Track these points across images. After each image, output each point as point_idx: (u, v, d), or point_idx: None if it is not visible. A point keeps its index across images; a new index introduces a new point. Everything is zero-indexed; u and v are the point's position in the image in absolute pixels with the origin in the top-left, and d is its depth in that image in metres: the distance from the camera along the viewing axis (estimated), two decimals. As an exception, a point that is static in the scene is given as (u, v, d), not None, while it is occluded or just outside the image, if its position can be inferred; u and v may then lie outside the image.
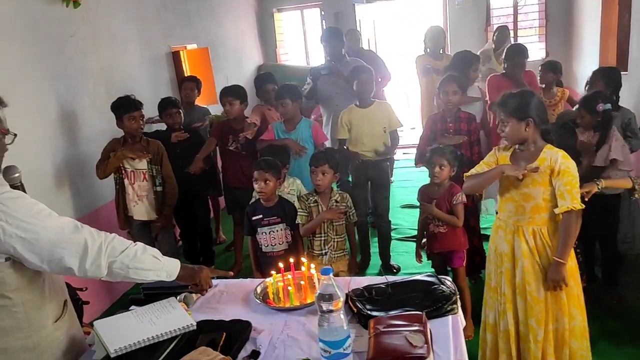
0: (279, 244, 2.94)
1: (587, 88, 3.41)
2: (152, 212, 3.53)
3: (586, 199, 2.43)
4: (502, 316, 2.41)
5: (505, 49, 4.40)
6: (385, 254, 4.04)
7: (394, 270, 3.96)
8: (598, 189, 2.53)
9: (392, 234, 4.62)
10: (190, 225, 4.07)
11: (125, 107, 3.35)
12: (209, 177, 4.20)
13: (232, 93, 3.83)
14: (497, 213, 2.52)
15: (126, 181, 3.46)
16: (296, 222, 2.95)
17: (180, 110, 3.95)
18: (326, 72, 4.28)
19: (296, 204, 3.01)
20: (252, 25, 7.36)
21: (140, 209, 3.51)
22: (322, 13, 7.50)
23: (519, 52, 4.05)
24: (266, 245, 2.94)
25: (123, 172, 3.44)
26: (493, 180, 2.35)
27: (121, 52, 4.27)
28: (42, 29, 3.38)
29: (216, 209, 4.83)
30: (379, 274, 3.76)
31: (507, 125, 2.24)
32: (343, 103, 4.07)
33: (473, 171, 2.42)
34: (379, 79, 5.25)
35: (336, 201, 2.96)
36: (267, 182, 2.88)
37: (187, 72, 5.11)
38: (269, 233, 2.93)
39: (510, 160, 2.32)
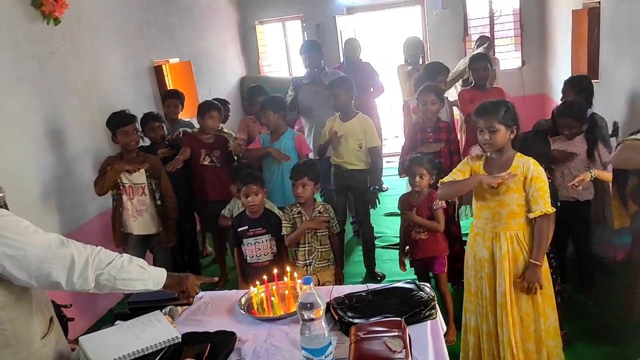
0: (264, 254, 2.98)
1: (561, 98, 3.52)
2: (153, 226, 3.54)
3: (580, 187, 2.61)
4: (484, 319, 2.50)
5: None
6: (369, 261, 4.09)
7: (378, 278, 4.01)
8: (591, 178, 2.68)
9: (376, 242, 4.70)
10: (178, 238, 4.06)
11: (116, 121, 3.37)
12: (191, 194, 4.16)
13: (215, 107, 3.91)
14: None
15: (124, 197, 3.45)
16: (281, 233, 3.00)
17: (163, 124, 3.97)
18: (308, 81, 4.34)
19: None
20: (235, 38, 7.42)
21: (140, 224, 3.51)
22: (304, 25, 7.59)
23: (477, 58, 4.18)
24: (251, 256, 2.98)
25: (121, 187, 3.44)
26: (469, 189, 2.43)
27: (104, 68, 4.30)
28: (23, 47, 3.40)
29: (202, 222, 4.85)
30: (362, 282, 3.82)
31: (495, 132, 2.28)
32: (325, 113, 4.12)
33: (448, 178, 2.47)
34: (372, 90, 5.37)
35: (319, 212, 3.03)
36: (257, 194, 2.95)
37: (170, 86, 5.15)
38: (255, 244, 2.97)
39: (484, 169, 2.40)
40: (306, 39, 7.54)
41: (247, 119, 4.34)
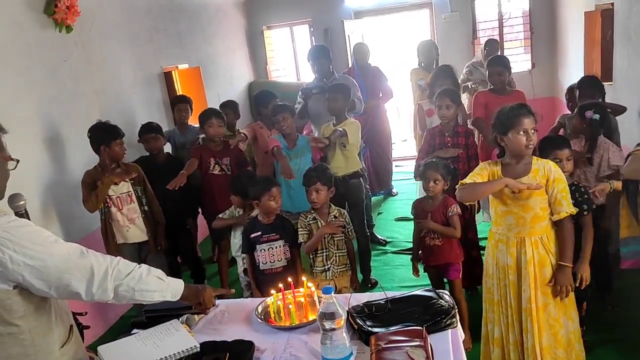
0: (278, 260, 2.96)
1: (577, 94, 3.48)
2: (144, 233, 3.52)
3: (600, 198, 2.54)
4: (509, 328, 2.44)
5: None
6: (365, 267, 4.04)
7: (369, 285, 3.97)
8: (611, 189, 2.63)
9: (387, 247, 4.69)
10: (173, 252, 4.01)
11: (112, 133, 3.33)
12: (190, 206, 4.15)
13: (217, 114, 3.88)
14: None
15: (113, 209, 3.41)
16: (298, 241, 2.98)
17: (160, 135, 3.91)
18: (317, 91, 4.33)
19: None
20: (242, 43, 7.43)
21: (135, 232, 3.49)
22: (311, 29, 7.59)
23: (492, 62, 4.14)
24: (264, 262, 2.96)
25: (108, 200, 3.40)
26: (493, 191, 2.35)
27: (114, 75, 4.31)
28: (35, 54, 3.41)
29: (210, 232, 4.81)
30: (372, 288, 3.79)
31: (535, 133, 2.26)
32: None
33: (469, 180, 2.38)
34: (380, 94, 5.36)
35: (334, 217, 3.00)
36: (280, 196, 2.97)
37: (179, 91, 5.15)
38: (268, 250, 2.95)
39: (503, 174, 2.35)
40: (314, 43, 7.54)
41: (255, 125, 4.31)
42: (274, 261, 2.95)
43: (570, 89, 3.75)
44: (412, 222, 3.29)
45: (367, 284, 3.97)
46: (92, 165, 3.44)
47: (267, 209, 2.97)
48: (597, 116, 2.95)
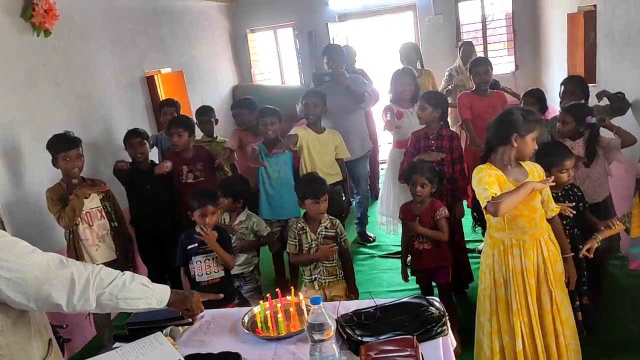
0: (215, 271, 2.87)
1: (561, 94, 3.50)
2: (113, 252, 3.33)
3: (590, 256, 2.49)
4: (536, 334, 2.36)
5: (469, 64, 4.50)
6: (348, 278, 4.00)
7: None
8: (598, 243, 2.53)
9: (374, 251, 4.67)
10: (160, 263, 3.81)
11: (58, 145, 3.07)
12: (176, 215, 3.93)
13: (182, 124, 3.75)
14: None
15: (81, 227, 3.18)
16: (286, 249, 2.93)
17: (145, 141, 3.77)
18: (329, 79, 4.29)
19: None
20: (226, 47, 7.37)
21: (104, 251, 3.27)
22: (296, 32, 7.55)
23: (477, 62, 4.15)
24: (200, 274, 2.87)
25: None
26: (524, 199, 2.21)
27: (95, 80, 4.22)
28: (12, 59, 3.33)
29: None
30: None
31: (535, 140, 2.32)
32: (344, 118, 4.22)
33: (487, 191, 2.19)
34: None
35: (325, 227, 2.91)
36: (213, 214, 2.88)
37: (163, 96, 5.06)
38: (204, 261, 2.87)
39: (507, 177, 2.31)
40: (298, 47, 7.50)
41: (240, 132, 4.23)
42: (210, 272, 2.87)
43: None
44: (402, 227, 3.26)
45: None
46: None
47: (198, 223, 2.86)
48: (594, 120, 2.97)
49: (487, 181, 2.23)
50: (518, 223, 2.35)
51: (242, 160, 4.20)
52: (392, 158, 4.20)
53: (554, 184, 2.29)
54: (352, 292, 2.99)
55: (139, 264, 3.74)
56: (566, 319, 2.42)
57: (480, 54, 6.64)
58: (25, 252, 1.47)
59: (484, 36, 7.27)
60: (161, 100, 4.86)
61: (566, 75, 5.20)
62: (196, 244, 2.87)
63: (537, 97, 3.70)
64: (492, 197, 2.15)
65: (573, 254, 2.48)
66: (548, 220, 2.43)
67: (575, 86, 3.49)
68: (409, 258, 3.25)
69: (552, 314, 2.36)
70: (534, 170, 2.36)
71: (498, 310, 2.42)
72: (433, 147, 3.44)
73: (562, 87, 3.56)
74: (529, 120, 2.29)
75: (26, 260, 1.44)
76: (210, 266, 2.87)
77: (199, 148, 3.87)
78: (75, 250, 3.18)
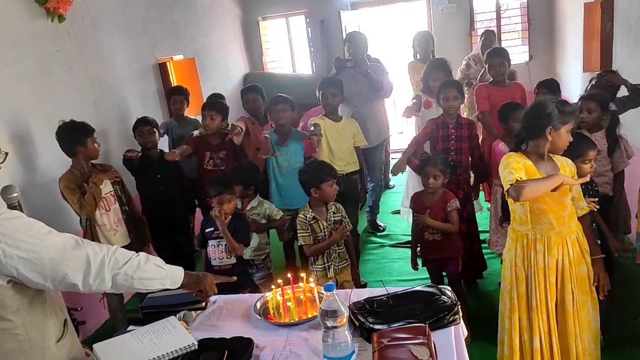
0: (227, 258, 2.90)
1: (588, 88, 3.47)
2: (127, 236, 3.34)
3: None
4: (553, 334, 2.32)
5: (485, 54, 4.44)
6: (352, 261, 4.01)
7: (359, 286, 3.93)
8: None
9: (384, 241, 4.68)
10: (172, 252, 3.82)
11: (85, 130, 3.11)
12: (188, 202, 4.05)
13: (216, 107, 3.75)
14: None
15: (98, 213, 3.16)
16: (299, 243, 2.92)
17: (155, 130, 3.76)
18: (351, 64, 4.26)
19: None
20: (238, 34, 7.35)
21: (122, 234, 3.29)
22: (307, 20, 7.51)
23: (492, 54, 4.10)
24: (214, 258, 2.92)
25: None
26: (549, 189, 2.14)
27: (108, 66, 4.23)
28: (27, 45, 3.34)
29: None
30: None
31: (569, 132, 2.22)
32: (362, 105, 4.22)
33: (512, 175, 2.12)
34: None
35: (333, 213, 2.92)
36: (230, 202, 2.88)
37: (174, 83, 5.07)
38: (217, 246, 2.90)
39: (538, 170, 2.23)
40: (310, 35, 7.47)
41: (247, 119, 4.23)
42: (223, 258, 2.90)
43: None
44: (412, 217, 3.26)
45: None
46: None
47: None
48: (614, 107, 2.94)
49: (514, 166, 2.17)
50: (545, 218, 2.25)
51: (250, 148, 4.20)
52: None
53: (584, 181, 2.19)
54: (354, 277, 3.01)
55: (150, 252, 3.76)
56: (587, 323, 2.34)
57: (495, 44, 6.56)
58: (41, 233, 1.49)
59: (498, 25, 7.19)
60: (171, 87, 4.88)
61: (581, 66, 5.17)
62: (212, 228, 2.90)
63: (549, 88, 3.65)
64: (517, 180, 2.09)
65: (604, 255, 2.35)
66: (578, 219, 2.31)
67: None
68: (418, 248, 3.25)
69: (577, 317, 2.29)
70: (565, 166, 2.25)
71: (519, 307, 2.36)
72: (453, 136, 3.44)
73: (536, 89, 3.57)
74: (564, 112, 2.17)
75: (42, 241, 1.46)
76: (222, 252, 2.89)
77: (226, 137, 3.78)
78: (92, 237, 3.15)
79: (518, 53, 7.22)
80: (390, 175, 6.19)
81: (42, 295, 1.57)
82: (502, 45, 6.79)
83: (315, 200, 2.91)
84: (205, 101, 4.04)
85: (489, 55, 4.09)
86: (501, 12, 7.21)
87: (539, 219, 2.26)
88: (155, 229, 3.80)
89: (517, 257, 2.34)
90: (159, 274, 1.68)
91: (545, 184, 2.08)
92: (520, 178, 2.09)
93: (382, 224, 4.90)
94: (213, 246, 2.91)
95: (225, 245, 2.87)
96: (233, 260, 2.91)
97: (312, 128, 3.68)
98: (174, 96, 4.55)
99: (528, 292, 2.34)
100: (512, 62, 4.16)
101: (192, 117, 4.64)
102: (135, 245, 3.32)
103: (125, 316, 3.33)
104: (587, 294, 2.33)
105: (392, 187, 6.11)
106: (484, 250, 3.73)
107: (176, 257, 3.70)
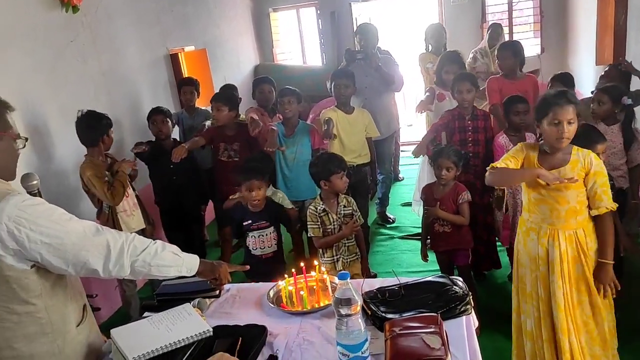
0: (268, 247, 2.96)
1: (600, 81, 3.47)
2: (142, 220, 3.39)
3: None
4: (543, 322, 2.34)
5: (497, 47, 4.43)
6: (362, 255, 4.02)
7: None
8: None
9: (393, 232, 4.69)
10: (184, 242, 3.76)
11: (108, 121, 3.19)
12: (201, 192, 4.07)
13: (222, 99, 3.76)
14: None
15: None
16: (308, 234, 2.94)
17: (168, 119, 3.79)
18: (361, 56, 4.27)
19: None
20: (249, 26, 7.36)
21: (138, 218, 3.35)
22: (318, 12, 7.49)
23: (502, 47, 4.08)
24: (255, 248, 2.96)
25: None
26: (523, 181, 2.27)
27: (121, 56, 4.26)
28: (42, 35, 3.37)
29: (217, 219, 4.74)
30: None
31: (573, 124, 2.12)
32: (372, 97, 4.21)
33: (500, 164, 2.27)
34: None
35: (344, 206, 2.93)
36: (260, 189, 2.90)
37: (186, 74, 5.09)
38: (258, 237, 2.95)
39: (539, 161, 2.24)
40: (321, 27, 7.45)
41: (256, 110, 4.24)
42: (264, 247, 2.95)
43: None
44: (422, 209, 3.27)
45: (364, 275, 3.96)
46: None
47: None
48: (630, 101, 2.92)
49: (508, 155, 2.31)
50: (540, 208, 2.27)
51: (260, 140, 4.22)
52: None
53: (570, 182, 2.10)
54: (364, 270, 3.02)
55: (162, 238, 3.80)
56: (583, 323, 2.28)
57: (506, 36, 6.51)
58: (63, 219, 1.53)
59: (510, 17, 7.14)
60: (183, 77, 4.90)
61: (593, 59, 5.13)
62: (250, 221, 2.94)
63: (563, 81, 3.63)
64: (492, 166, 2.27)
65: (613, 262, 2.22)
66: (596, 219, 2.23)
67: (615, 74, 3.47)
68: (428, 240, 3.27)
69: (568, 312, 2.25)
70: (578, 161, 2.16)
71: (518, 289, 2.46)
72: (469, 127, 3.45)
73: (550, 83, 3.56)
74: (544, 104, 2.17)
75: (64, 227, 1.50)
76: (263, 242, 2.94)
77: (241, 127, 3.76)
78: (113, 224, 3.20)
79: (530, 46, 7.15)
80: (399, 168, 6.21)
81: (63, 281, 1.61)
82: (514, 38, 6.75)
83: (325, 193, 2.92)
84: (218, 92, 4.06)
85: (498, 48, 4.08)
86: (513, 4, 7.16)
87: (535, 208, 2.30)
88: (168, 218, 3.84)
89: (519, 242, 2.43)
90: (176, 262, 1.72)
91: (517, 175, 2.27)
92: (507, 165, 2.23)
93: (391, 216, 4.92)
94: (254, 237, 2.95)
95: (266, 235, 2.93)
96: (274, 249, 2.97)
97: (324, 126, 3.67)
98: (184, 87, 4.58)
99: (519, 276, 2.43)
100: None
101: (202, 107, 4.67)
102: (149, 229, 3.40)
103: (138, 304, 3.39)
104: (583, 293, 2.27)
105: (402, 180, 6.12)
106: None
107: (188, 246, 3.69)
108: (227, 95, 3.88)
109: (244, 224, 2.97)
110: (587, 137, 2.44)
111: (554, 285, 2.27)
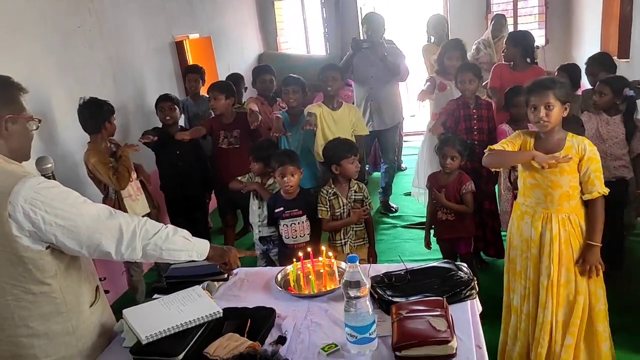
0: (301, 236, 2.93)
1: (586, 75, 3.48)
2: (146, 205, 3.42)
3: None
4: (525, 300, 2.45)
5: (506, 37, 4.42)
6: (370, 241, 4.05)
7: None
8: None
9: (396, 221, 4.73)
10: (188, 228, 3.91)
11: (110, 107, 3.21)
12: (206, 179, 4.08)
13: (217, 88, 3.77)
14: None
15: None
16: (318, 216, 2.95)
17: (175, 106, 3.81)
18: (367, 45, 4.25)
19: None
20: (253, 14, 7.35)
21: (143, 202, 3.37)
22: (322, 1, 7.46)
23: (508, 37, 4.08)
24: (287, 237, 2.95)
25: None
26: (518, 162, 2.37)
27: (126, 43, 4.27)
28: (50, 20, 3.38)
29: (218, 205, 4.77)
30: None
31: (553, 109, 2.18)
32: (377, 87, 4.22)
33: (497, 147, 2.37)
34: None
35: (355, 191, 2.95)
36: (293, 175, 2.88)
37: (190, 61, 5.11)
38: (291, 225, 2.92)
39: (535, 146, 2.30)
40: (325, 15, 7.43)
41: (256, 100, 4.26)
42: (297, 236, 2.93)
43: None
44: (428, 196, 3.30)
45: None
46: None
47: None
48: (632, 93, 2.94)
49: (506, 139, 2.41)
50: (534, 192, 2.35)
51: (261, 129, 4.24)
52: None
53: (565, 162, 2.18)
54: (371, 256, 3.04)
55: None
56: (567, 299, 2.33)
57: (511, 27, 6.51)
58: (78, 202, 1.56)
59: (515, 8, 7.14)
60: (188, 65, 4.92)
61: (598, 50, 5.12)
62: (282, 208, 2.92)
63: (568, 72, 3.65)
64: (489, 148, 2.38)
65: (600, 245, 2.28)
66: (589, 203, 2.29)
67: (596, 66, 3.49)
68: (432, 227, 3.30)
69: (550, 290, 2.32)
70: (573, 147, 2.23)
71: (509, 270, 2.55)
72: (474, 116, 3.48)
73: (585, 66, 3.55)
74: (525, 91, 2.30)
75: (78, 210, 1.54)
76: (296, 230, 2.92)
77: (240, 116, 3.82)
78: (120, 208, 3.17)
79: (535, 37, 7.13)
80: (402, 158, 6.23)
81: (77, 262, 1.65)
82: (519, 29, 6.73)
83: (337, 177, 2.95)
84: (216, 82, 4.07)
85: (507, 40, 4.08)
86: (518, -6, 7.15)
87: (529, 192, 2.37)
88: (173, 205, 3.87)
89: (513, 225, 2.50)
90: (186, 246, 1.76)
91: (510, 156, 2.36)
92: (503, 148, 2.34)
93: (394, 205, 4.95)
94: (286, 225, 2.93)
95: (299, 224, 2.91)
96: (307, 239, 2.94)
97: (307, 117, 3.63)
98: (190, 74, 4.59)
99: (511, 258, 2.53)
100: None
101: (207, 95, 4.67)
102: (155, 213, 3.42)
103: (144, 289, 3.43)
104: (572, 272, 2.33)
105: (405, 170, 6.15)
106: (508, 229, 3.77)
107: (192, 232, 3.75)
108: (223, 84, 3.90)
109: (276, 211, 2.95)
110: (567, 128, 2.46)
111: (542, 266, 2.36)
